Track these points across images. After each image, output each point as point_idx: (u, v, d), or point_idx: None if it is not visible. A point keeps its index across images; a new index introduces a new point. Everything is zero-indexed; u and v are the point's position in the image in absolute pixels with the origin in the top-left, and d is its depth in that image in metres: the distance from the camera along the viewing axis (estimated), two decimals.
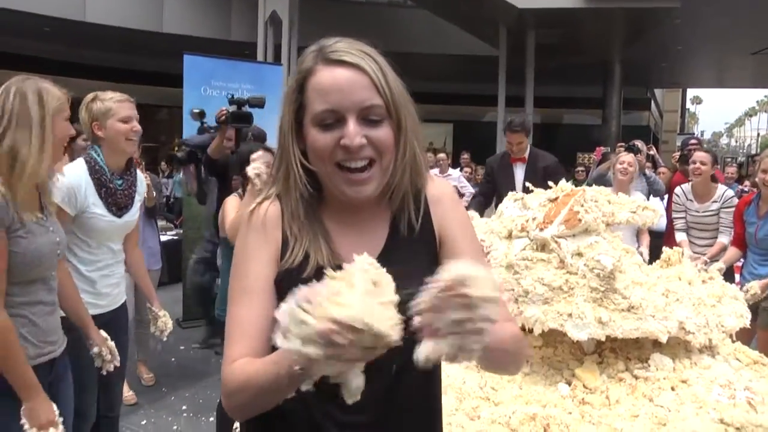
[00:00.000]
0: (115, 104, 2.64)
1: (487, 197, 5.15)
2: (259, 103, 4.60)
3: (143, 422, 4.06)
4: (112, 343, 2.49)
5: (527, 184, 3.04)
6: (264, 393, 1.00)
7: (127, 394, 4.32)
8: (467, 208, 8.54)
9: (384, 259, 1.13)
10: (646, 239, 4.56)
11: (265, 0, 11.11)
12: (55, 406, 2.01)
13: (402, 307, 1.11)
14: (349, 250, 1.11)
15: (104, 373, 2.51)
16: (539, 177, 4.51)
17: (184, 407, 4.22)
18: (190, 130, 6.45)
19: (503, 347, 1.08)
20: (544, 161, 4.92)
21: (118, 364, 2.52)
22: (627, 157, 4.91)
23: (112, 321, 2.75)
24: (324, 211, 1.18)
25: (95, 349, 2.45)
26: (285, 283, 1.11)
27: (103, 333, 2.48)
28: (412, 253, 1.17)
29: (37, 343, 2.07)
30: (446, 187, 1.27)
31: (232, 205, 3.28)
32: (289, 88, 1.14)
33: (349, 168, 1.08)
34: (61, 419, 2.02)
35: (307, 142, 1.12)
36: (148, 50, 13.79)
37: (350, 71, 1.08)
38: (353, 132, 1.06)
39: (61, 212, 2.33)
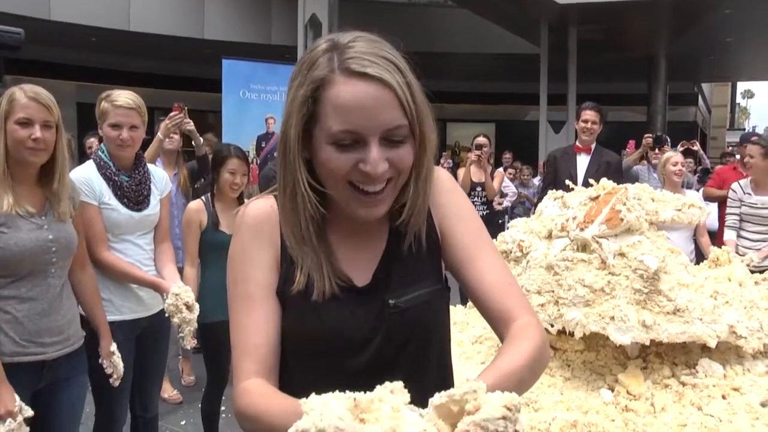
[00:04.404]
0: (111, 107, 2.62)
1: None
2: (15, 42, 3.30)
3: (182, 422, 4.10)
4: (118, 359, 2.48)
5: (590, 180, 2.83)
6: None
7: (172, 393, 4.39)
8: (512, 208, 8.47)
9: (385, 266, 1.10)
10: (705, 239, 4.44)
11: (304, 3, 11.17)
12: (17, 398, 1.99)
13: (405, 312, 1.06)
14: (351, 262, 1.09)
15: (113, 384, 2.49)
16: (602, 170, 4.47)
17: (223, 408, 4.24)
18: (229, 134, 6.52)
19: (523, 380, 0.96)
20: (608, 156, 4.89)
21: (117, 382, 2.49)
22: (678, 157, 4.79)
23: (151, 326, 2.76)
24: (329, 224, 1.09)
25: (100, 360, 2.46)
26: (288, 300, 1.07)
27: (113, 347, 2.48)
28: (413, 257, 1.10)
29: (18, 340, 2.08)
30: (440, 174, 1.17)
31: (195, 209, 3.27)
32: (299, 97, 0.99)
33: (364, 191, 0.99)
34: (23, 411, 2.00)
35: (316, 158, 1.01)
36: (190, 56, 14.05)
37: (374, 87, 0.95)
38: (376, 159, 0.96)
39: (78, 218, 2.33)
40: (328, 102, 0.97)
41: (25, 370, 2.10)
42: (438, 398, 0.72)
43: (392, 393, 0.75)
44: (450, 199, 1.15)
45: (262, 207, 1.11)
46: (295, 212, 1.05)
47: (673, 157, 4.83)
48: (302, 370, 1.07)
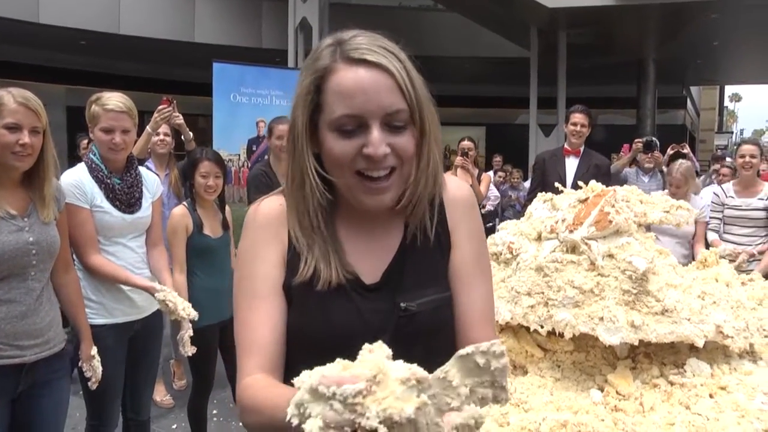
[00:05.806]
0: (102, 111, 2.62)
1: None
2: None
3: (174, 426, 4.09)
4: (97, 363, 2.48)
5: (579, 182, 2.83)
6: (273, 427, 0.93)
7: (165, 397, 4.37)
8: (502, 210, 8.50)
9: (396, 267, 1.11)
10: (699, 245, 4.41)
11: (295, 7, 11.18)
12: None
13: (415, 316, 1.08)
14: (360, 258, 1.11)
15: (91, 387, 2.50)
16: (590, 173, 4.50)
17: (214, 411, 4.23)
18: (220, 138, 6.51)
19: None
20: (597, 159, 4.93)
21: (94, 385, 2.50)
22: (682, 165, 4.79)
23: (144, 329, 2.77)
24: (338, 217, 1.12)
25: (80, 363, 2.46)
26: (294, 293, 1.08)
27: (94, 350, 2.48)
28: (426, 260, 1.12)
29: None
30: (464, 190, 1.20)
31: (181, 215, 3.27)
32: (304, 88, 1.04)
33: (370, 177, 1.02)
34: None
35: (323, 148, 1.04)
36: (181, 60, 14.01)
37: (374, 72, 1.00)
38: (378, 140, 0.99)
39: (62, 221, 2.33)
40: (330, 90, 1.01)
41: (2, 373, 2.08)
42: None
43: (371, 352, 0.77)
44: (467, 215, 1.18)
45: (272, 205, 1.13)
46: (303, 201, 1.07)
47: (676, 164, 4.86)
48: (306, 365, 1.08)
